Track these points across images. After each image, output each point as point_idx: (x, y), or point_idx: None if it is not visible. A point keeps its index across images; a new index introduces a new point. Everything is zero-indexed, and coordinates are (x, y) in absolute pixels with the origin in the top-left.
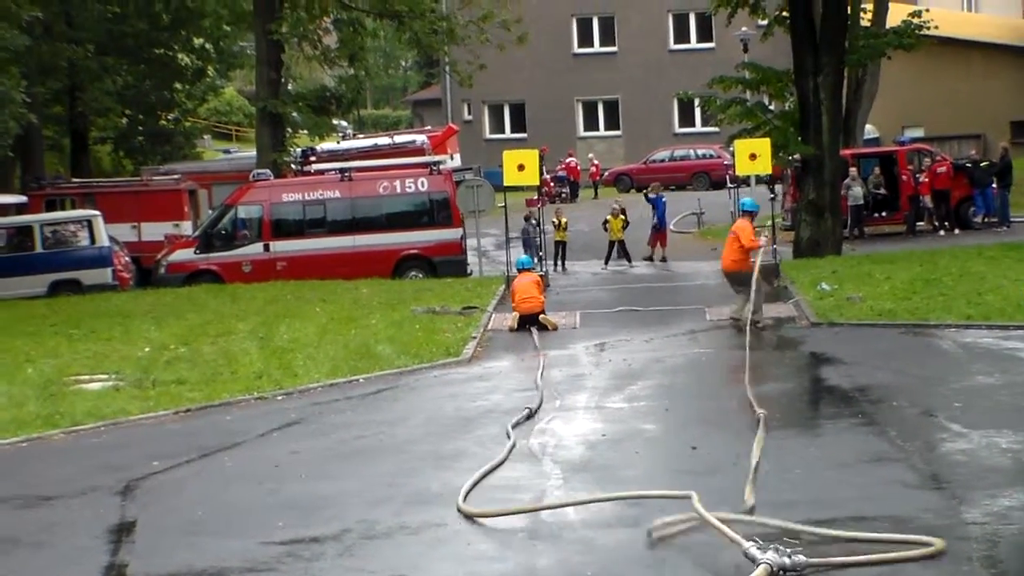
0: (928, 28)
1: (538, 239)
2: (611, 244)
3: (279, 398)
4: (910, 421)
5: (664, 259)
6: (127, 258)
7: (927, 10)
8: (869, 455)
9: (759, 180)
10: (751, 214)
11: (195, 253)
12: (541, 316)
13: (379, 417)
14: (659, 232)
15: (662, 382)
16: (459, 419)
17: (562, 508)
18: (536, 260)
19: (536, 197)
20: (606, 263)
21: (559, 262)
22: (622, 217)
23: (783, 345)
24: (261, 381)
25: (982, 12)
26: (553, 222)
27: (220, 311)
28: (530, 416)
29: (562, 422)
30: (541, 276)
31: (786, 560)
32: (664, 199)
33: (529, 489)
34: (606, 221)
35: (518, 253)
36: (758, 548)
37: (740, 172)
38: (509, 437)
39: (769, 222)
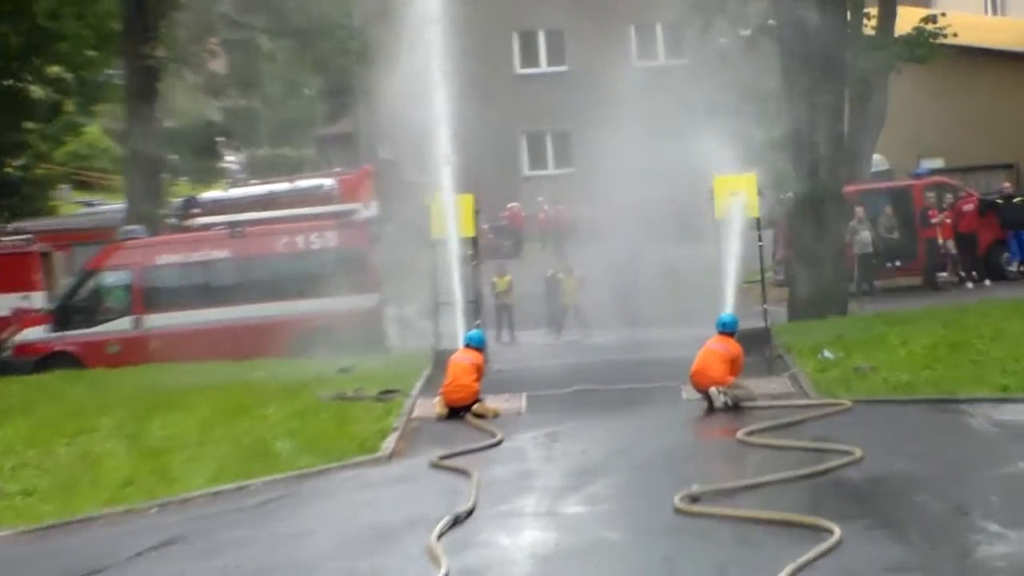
0: (945, 36)
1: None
2: (563, 309)
3: (153, 511)
4: (936, 520)
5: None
6: None
7: (943, 14)
8: (887, 564)
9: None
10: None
11: (48, 331)
12: (475, 407)
13: (279, 531)
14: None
15: (628, 480)
16: (378, 531)
17: None
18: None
19: (472, 252)
20: (559, 332)
21: (504, 331)
22: (576, 275)
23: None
24: (130, 490)
25: (1010, 15)
26: (493, 283)
27: (78, 403)
28: (456, 522)
29: (506, 533)
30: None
31: None
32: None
33: None
34: (557, 281)
35: (447, 321)
36: None
37: (719, 216)
38: (440, 565)
39: (757, 277)
